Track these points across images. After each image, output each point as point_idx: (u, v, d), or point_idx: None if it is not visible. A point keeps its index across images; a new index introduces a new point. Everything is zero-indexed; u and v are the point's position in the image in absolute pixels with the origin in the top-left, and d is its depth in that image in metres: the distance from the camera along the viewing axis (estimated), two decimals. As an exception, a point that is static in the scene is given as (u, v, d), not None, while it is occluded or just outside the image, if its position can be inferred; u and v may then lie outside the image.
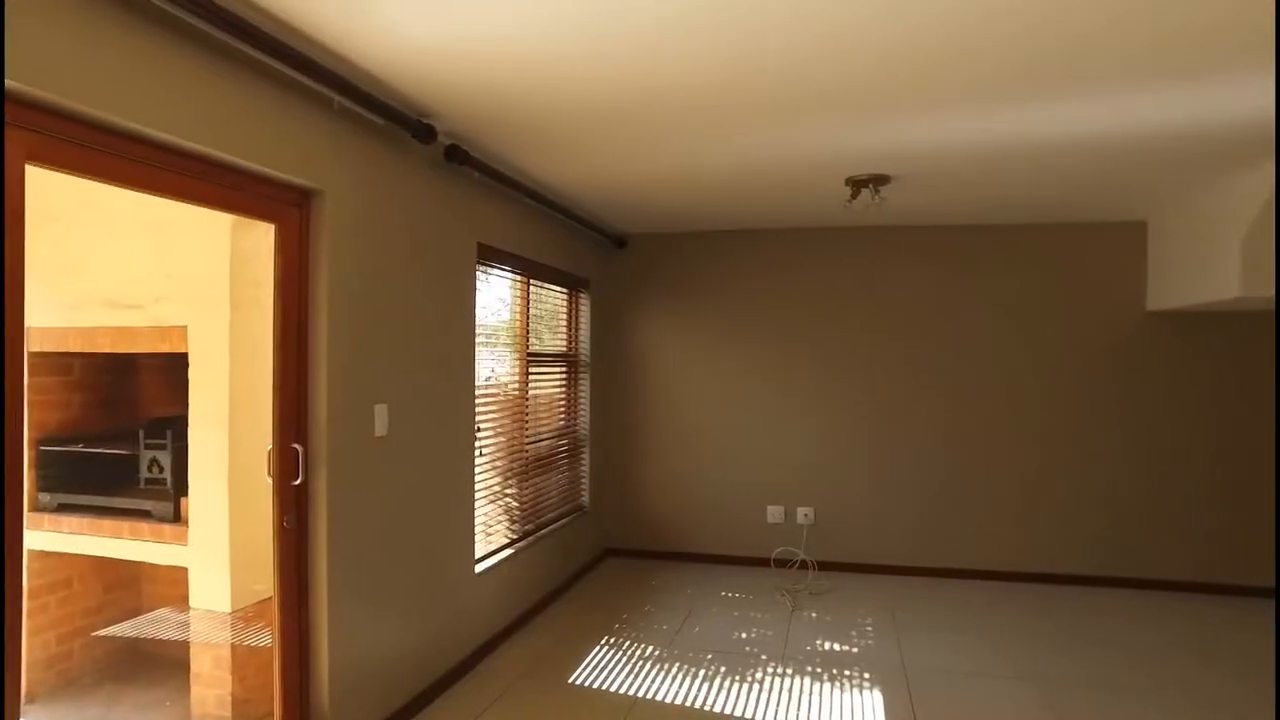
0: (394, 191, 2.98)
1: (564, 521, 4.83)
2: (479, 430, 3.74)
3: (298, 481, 2.56)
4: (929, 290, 5.11)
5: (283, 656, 2.55)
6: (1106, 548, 4.88)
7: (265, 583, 2.70)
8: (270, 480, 2.53)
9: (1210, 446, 4.76)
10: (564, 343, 5.06)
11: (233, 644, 3.01)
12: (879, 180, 3.79)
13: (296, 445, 2.56)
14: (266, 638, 2.91)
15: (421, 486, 3.19)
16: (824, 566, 5.20)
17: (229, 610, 2.99)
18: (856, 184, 3.83)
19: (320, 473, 2.60)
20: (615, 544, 5.61)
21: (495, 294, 4.08)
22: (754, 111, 2.89)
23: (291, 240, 2.55)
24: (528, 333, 4.38)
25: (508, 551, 4.04)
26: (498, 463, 4.01)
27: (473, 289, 3.63)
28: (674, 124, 3.05)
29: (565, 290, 5.03)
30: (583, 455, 5.27)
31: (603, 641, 3.96)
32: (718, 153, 3.46)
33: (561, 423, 4.97)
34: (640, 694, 3.36)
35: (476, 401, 3.70)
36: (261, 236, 2.62)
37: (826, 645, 3.92)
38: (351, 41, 2.32)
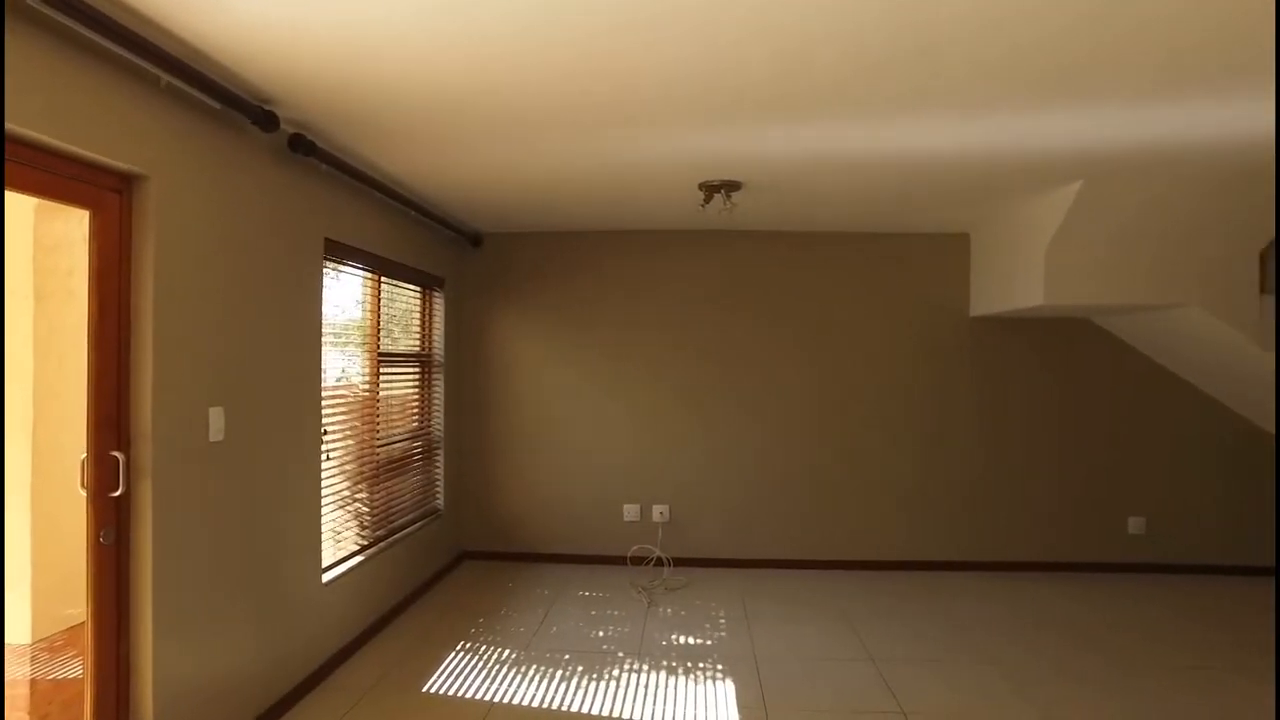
0: (232, 180, 2.78)
1: (418, 525, 4.69)
2: (326, 433, 3.56)
3: (117, 493, 2.34)
4: (778, 293, 5.34)
5: (96, 688, 2.32)
6: (947, 533, 5.30)
7: (78, 606, 2.45)
8: (84, 492, 2.29)
9: (1030, 439, 5.26)
10: (418, 342, 4.91)
11: (33, 679, 2.71)
12: (731, 186, 3.93)
13: (116, 453, 2.33)
14: (78, 668, 2.64)
15: (262, 494, 3.00)
16: (680, 562, 5.33)
17: (29, 641, 2.69)
18: (709, 189, 3.95)
19: (144, 483, 2.38)
20: (472, 547, 5.50)
21: (346, 292, 3.90)
22: (605, 113, 2.92)
23: (110, 228, 2.33)
24: (379, 332, 4.22)
25: (359, 558, 3.88)
26: (347, 466, 3.83)
27: (319, 285, 3.45)
28: (525, 123, 3.03)
29: (419, 289, 4.88)
30: (437, 457, 5.13)
31: (459, 646, 3.87)
32: (571, 153, 3.47)
33: (415, 424, 4.82)
34: (497, 698, 3.32)
35: (324, 403, 3.52)
36: (76, 223, 2.38)
37: (681, 639, 4.02)
38: (182, 17, 2.14)
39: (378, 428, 4.19)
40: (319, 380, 3.46)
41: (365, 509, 4.05)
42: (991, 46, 2.28)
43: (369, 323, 4.15)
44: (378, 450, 4.18)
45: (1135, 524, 5.25)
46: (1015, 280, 4.52)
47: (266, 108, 2.76)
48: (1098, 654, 3.83)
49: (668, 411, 5.39)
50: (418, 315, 4.92)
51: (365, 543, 4.03)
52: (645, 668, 3.65)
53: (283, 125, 2.95)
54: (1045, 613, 4.44)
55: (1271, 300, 4.23)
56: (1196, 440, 5.22)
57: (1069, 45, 2.28)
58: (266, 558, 3.03)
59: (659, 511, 5.38)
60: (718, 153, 3.42)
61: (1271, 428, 5.12)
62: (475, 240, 5.38)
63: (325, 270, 3.53)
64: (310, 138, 3.10)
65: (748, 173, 3.75)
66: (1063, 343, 5.24)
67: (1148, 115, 2.88)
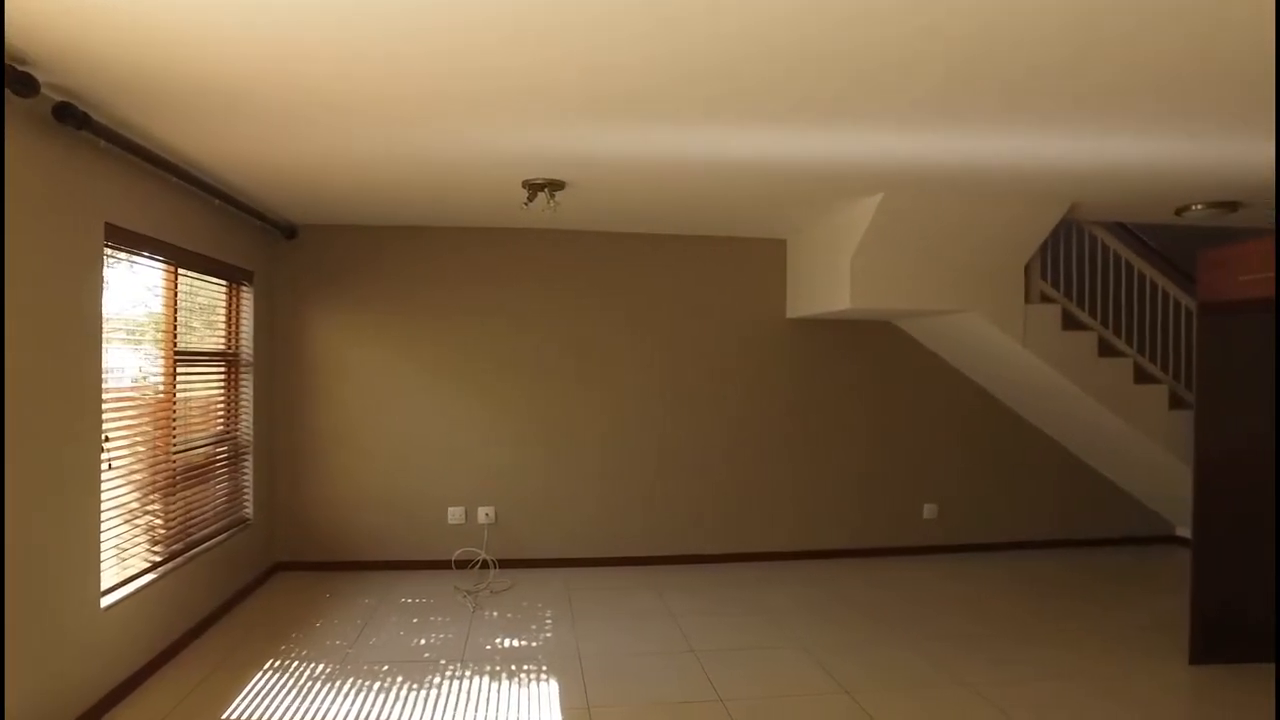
0: (-17, 155, 2.45)
1: (224, 537, 4.34)
2: (107, 440, 3.22)
3: None
4: (609, 293, 5.41)
5: None
6: (762, 525, 5.56)
7: None
8: None
9: (838, 433, 5.64)
10: (223, 340, 4.55)
11: None
12: (554, 185, 3.93)
13: None
14: None
15: (18, 512, 2.66)
16: (506, 564, 5.28)
17: None
18: (533, 187, 3.93)
19: None
20: (287, 557, 5.18)
21: (139, 284, 3.54)
22: (422, 106, 2.84)
23: None
24: (176, 328, 3.87)
25: (150, 577, 3.53)
26: (136, 476, 3.49)
27: (99, 276, 3.11)
28: (336, 109, 2.89)
29: (225, 282, 4.52)
30: (245, 462, 4.78)
31: (267, 666, 3.63)
32: (388, 145, 3.34)
33: (220, 427, 4.47)
34: (307, 718, 3.13)
35: (105, 406, 3.18)
36: None
37: (507, 642, 3.98)
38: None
39: (174, 432, 3.85)
40: (98, 381, 3.12)
41: (158, 522, 3.70)
42: (782, 61, 2.42)
43: (165, 318, 3.79)
44: (174, 457, 3.83)
45: (930, 510, 5.76)
46: (825, 285, 4.83)
47: (22, 69, 2.45)
48: (898, 631, 4.17)
49: (493, 412, 5.32)
50: (223, 311, 4.56)
51: (158, 559, 3.68)
52: (468, 674, 3.58)
53: (45, 91, 2.64)
54: (852, 596, 4.78)
55: (1039, 308, 4.79)
56: (979, 432, 5.81)
57: (859, 63, 2.45)
58: (24, 583, 2.70)
59: (485, 513, 5.30)
60: (540, 150, 3.41)
61: (1038, 422, 5.79)
62: (289, 232, 5.06)
63: (110, 259, 3.19)
64: (83, 109, 2.79)
65: (571, 172, 3.77)
66: (868, 343, 5.66)
67: (933, 136, 3.16)
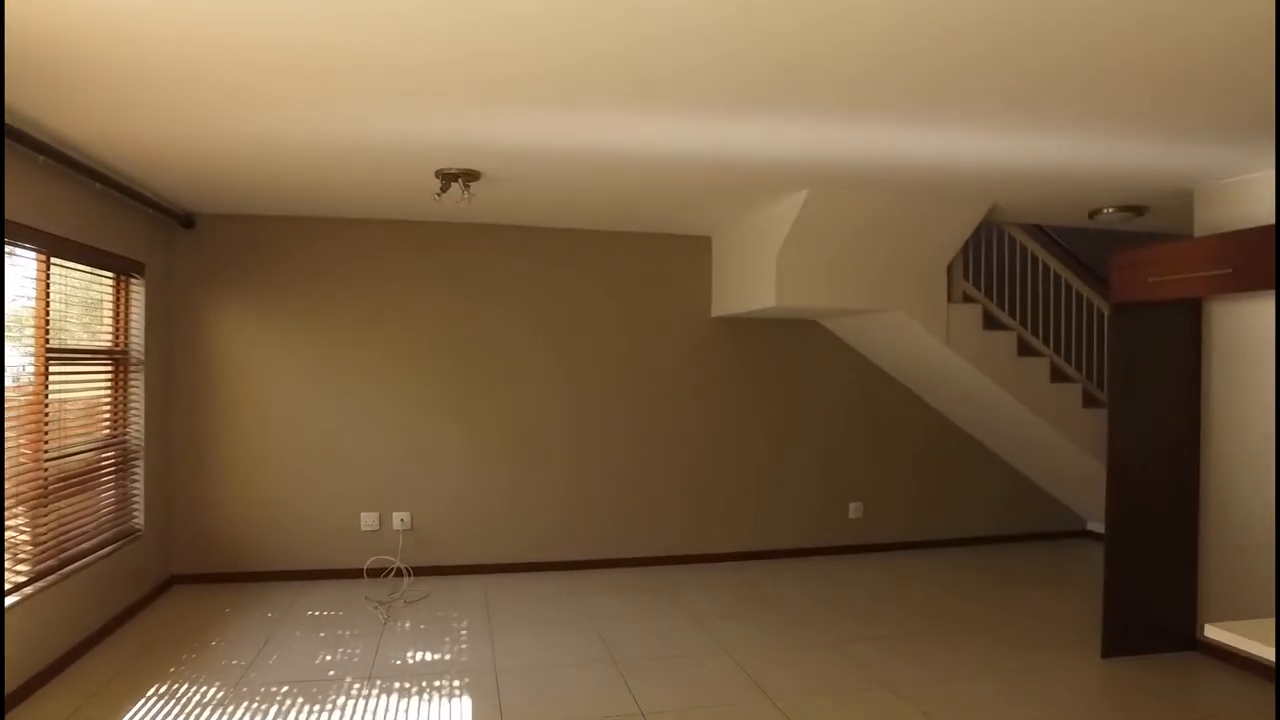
0: None
1: (110, 550, 4.01)
2: (-38, 449, 2.90)
3: None
4: (530, 289, 5.24)
5: None
6: (686, 527, 5.47)
7: None
8: None
9: (765, 433, 5.59)
10: (110, 337, 4.20)
11: None
12: (469, 175, 3.75)
13: None
14: None
15: None
16: (423, 572, 5.06)
17: None
18: (446, 177, 3.74)
19: None
20: (183, 570, 4.84)
21: (15, 277, 3.21)
22: (322, 86, 2.63)
23: None
24: (48, 323, 3.54)
25: (16, 597, 3.21)
26: (-3, 488, 3.16)
27: (-49, 266, 2.80)
28: (231, 89, 2.66)
29: (110, 274, 4.18)
30: (135, 469, 4.43)
31: (152, 691, 3.34)
32: (291, 129, 3.11)
33: (106, 431, 4.13)
34: (192, 748, 2.89)
35: (-42, 412, 2.86)
36: None
37: (418, 656, 3.78)
38: None
39: (47, 437, 3.52)
40: (-49, 383, 2.80)
41: (25, 536, 3.37)
42: (699, 52, 2.30)
43: (36, 312, 3.46)
44: (45, 465, 3.51)
45: (855, 508, 5.78)
46: (751, 283, 4.77)
47: None
48: (822, 633, 4.13)
49: (408, 412, 5.09)
50: (109, 305, 4.21)
51: (24, 578, 3.35)
52: (376, 692, 3.37)
53: (-116, 62, 2.34)
54: (778, 598, 4.73)
55: (962, 308, 4.83)
56: (903, 431, 5.85)
57: (775, 55, 2.36)
58: None
59: (400, 519, 5.07)
60: (453, 138, 3.23)
61: (960, 420, 5.87)
62: (186, 221, 4.73)
63: (-38, 248, 2.87)
64: (-71, 81, 2.49)
65: (485, 161, 3.59)
66: (793, 342, 5.63)
67: (854, 130, 3.11)
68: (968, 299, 4.95)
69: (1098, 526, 6.25)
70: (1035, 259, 5.36)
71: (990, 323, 4.99)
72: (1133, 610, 3.81)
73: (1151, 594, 3.84)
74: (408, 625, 4.20)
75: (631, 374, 5.39)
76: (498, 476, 5.20)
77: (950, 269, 4.81)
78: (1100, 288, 5.57)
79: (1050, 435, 5.18)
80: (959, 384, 5.23)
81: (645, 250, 5.40)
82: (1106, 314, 5.35)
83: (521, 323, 5.23)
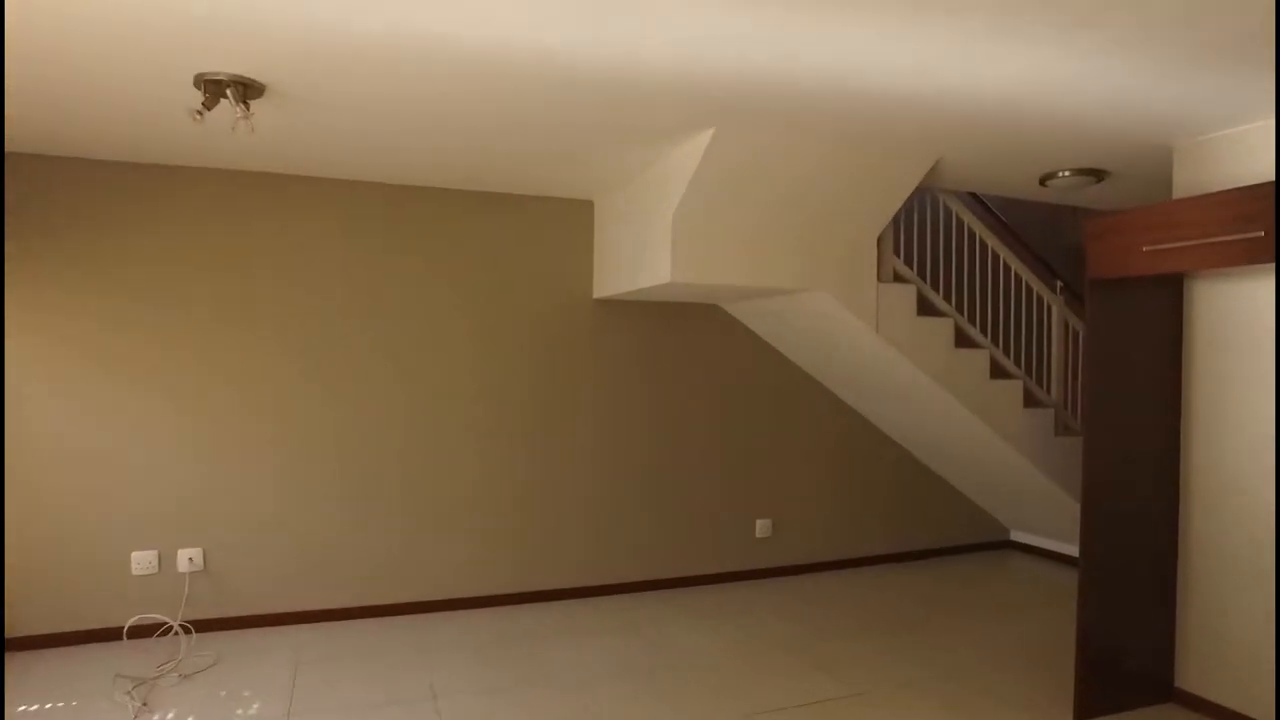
0: None
1: None
2: None
3: None
4: (348, 264, 4.10)
5: None
6: (559, 558, 4.47)
7: None
8: None
9: (658, 442, 4.65)
10: None
11: None
12: (246, 87, 2.62)
13: None
14: None
15: None
16: (215, 626, 3.86)
17: None
18: (212, 87, 2.60)
19: None
20: None
21: None
22: None
23: None
24: None
25: None
26: None
27: None
28: None
29: None
30: None
31: None
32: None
33: None
34: None
35: None
36: None
37: (166, 772, 2.64)
38: None
39: None
40: None
41: None
42: None
43: None
44: None
45: (763, 526, 4.93)
46: (641, 255, 3.82)
47: None
48: (722, 701, 3.22)
49: (203, 419, 3.87)
50: None
51: None
52: None
53: None
54: (671, 643, 3.80)
55: (894, 289, 4.03)
56: (817, 435, 5.04)
57: None
58: None
59: (187, 557, 3.85)
60: (216, 22, 2.11)
61: (879, 421, 5.11)
62: None
63: None
64: None
65: (268, 65, 2.47)
66: (691, 332, 4.71)
67: (782, 41, 2.18)
68: (898, 278, 4.16)
69: (1022, 536, 5.69)
70: (973, 235, 4.65)
71: (924, 308, 4.22)
72: (1108, 660, 3.08)
73: (1128, 638, 3.12)
74: (172, 715, 3.03)
75: (491, 369, 4.34)
76: (319, 498, 4.05)
77: (880, 242, 4.01)
78: (1044, 273, 4.94)
79: (988, 438, 4.47)
80: (885, 380, 4.46)
81: (509, 216, 4.35)
82: (1049, 303, 4.70)
83: (348, 305, 4.09)
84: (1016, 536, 5.74)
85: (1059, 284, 4.71)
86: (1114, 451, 3.04)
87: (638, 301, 4.52)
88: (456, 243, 4.24)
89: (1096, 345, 3.00)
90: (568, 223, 4.45)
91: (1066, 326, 4.71)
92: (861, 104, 2.82)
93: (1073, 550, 5.19)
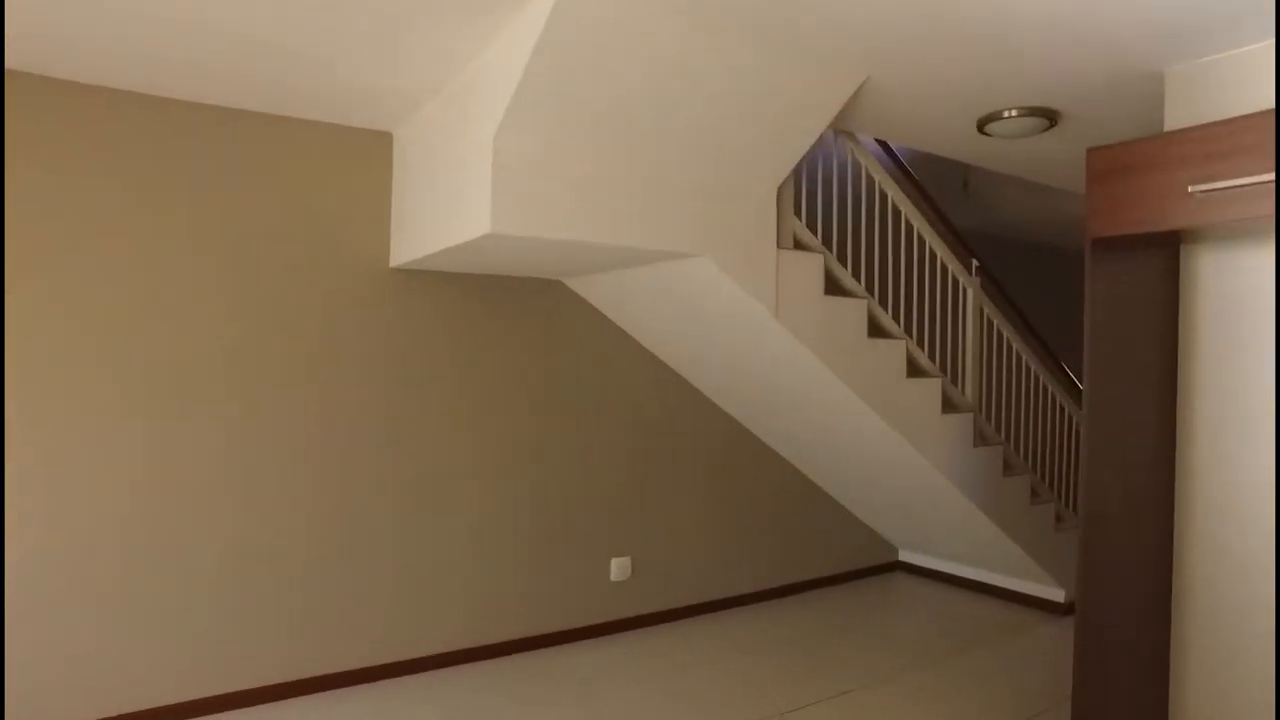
0: None
1: None
2: None
3: None
4: (67, 204, 2.63)
5: None
6: (351, 625, 3.18)
7: None
8: None
9: (480, 466, 3.44)
10: None
11: None
12: None
13: None
14: None
15: None
16: None
17: None
18: None
19: None
20: None
21: None
22: None
23: None
24: None
25: None
26: None
27: None
28: None
29: None
30: None
31: None
32: None
33: None
34: None
35: None
36: None
37: None
38: None
39: None
40: None
41: None
42: None
43: None
44: None
45: (619, 567, 3.85)
46: (452, 200, 2.61)
47: None
48: None
49: None
50: None
51: None
52: None
53: None
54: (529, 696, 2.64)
55: (795, 258, 3.04)
56: (691, 454, 4.02)
57: None
58: None
59: None
60: None
61: (758, 429, 4.16)
62: None
63: None
64: None
65: None
66: (522, 317, 3.54)
67: None
68: (799, 245, 3.18)
69: (910, 556, 4.95)
70: (884, 198, 3.76)
71: (831, 285, 3.28)
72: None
73: (1121, 696, 2.28)
74: None
75: (246, 370, 2.98)
76: (107, 547, 2.56)
77: (779, 196, 3.01)
78: (960, 249, 4.14)
79: (900, 451, 3.60)
80: (778, 379, 3.49)
81: (272, 149, 3.00)
82: (965, 286, 3.89)
83: (72, 262, 2.60)
84: (905, 556, 5.00)
85: (974, 263, 3.93)
86: (1115, 467, 2.17)
87: (450, 273, 3.31)
88: (198, 189, 2.84)
89: (1101, 330, 2.11)
90: (357, 162, 3.15)
91: (982, 315, 3.93)
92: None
93: (963, 571, 4.59)
